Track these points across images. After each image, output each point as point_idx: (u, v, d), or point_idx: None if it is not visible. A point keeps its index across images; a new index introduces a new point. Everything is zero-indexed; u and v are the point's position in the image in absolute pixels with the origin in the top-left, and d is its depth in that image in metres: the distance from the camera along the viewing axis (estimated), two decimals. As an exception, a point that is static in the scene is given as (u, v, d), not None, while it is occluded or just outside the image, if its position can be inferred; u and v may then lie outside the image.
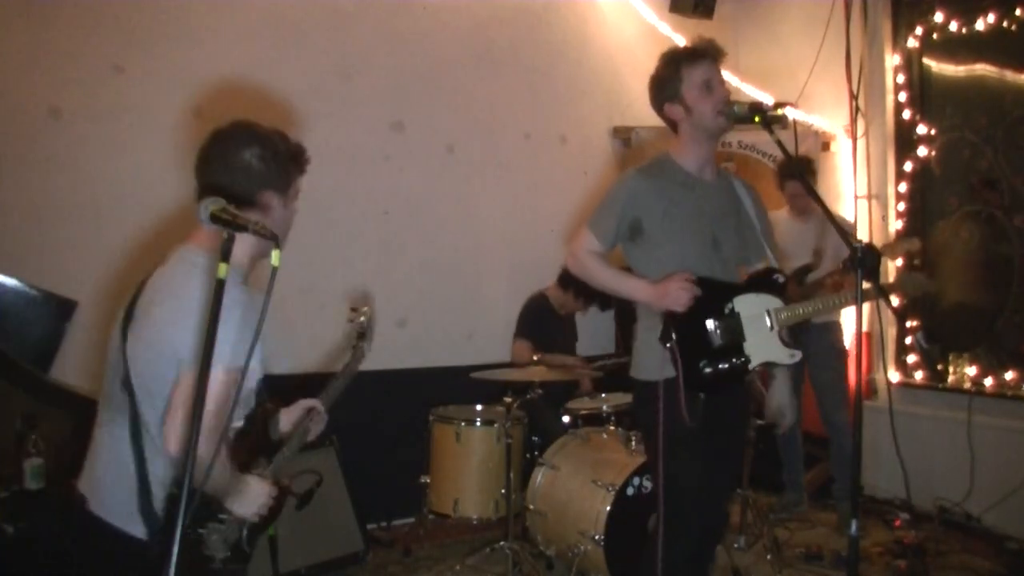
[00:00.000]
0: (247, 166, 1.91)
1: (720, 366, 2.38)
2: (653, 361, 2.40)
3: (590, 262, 2.57)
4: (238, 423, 1.94)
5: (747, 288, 2.49)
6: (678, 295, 2.35)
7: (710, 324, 2.39)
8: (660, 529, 2.40)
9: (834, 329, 4.35)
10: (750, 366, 2.43)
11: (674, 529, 2.42)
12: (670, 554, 2.41)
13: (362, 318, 2.47)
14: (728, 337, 2.41)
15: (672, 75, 2.48)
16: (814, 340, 4.21)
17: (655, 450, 2.41)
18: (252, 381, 1.88)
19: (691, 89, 2.44)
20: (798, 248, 4.19)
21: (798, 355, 2.52)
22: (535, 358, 3.85)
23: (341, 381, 2.37)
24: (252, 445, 1.99)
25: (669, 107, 2.50)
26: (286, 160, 1.97)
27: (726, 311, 2.42)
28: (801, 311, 2.56)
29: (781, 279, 2.54)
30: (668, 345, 2.33)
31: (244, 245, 1.86)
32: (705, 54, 2.47)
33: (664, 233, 2.44)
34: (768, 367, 2.53)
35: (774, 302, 2.49)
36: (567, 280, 4.40)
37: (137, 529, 1.79)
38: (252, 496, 1.86)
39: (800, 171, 4.27)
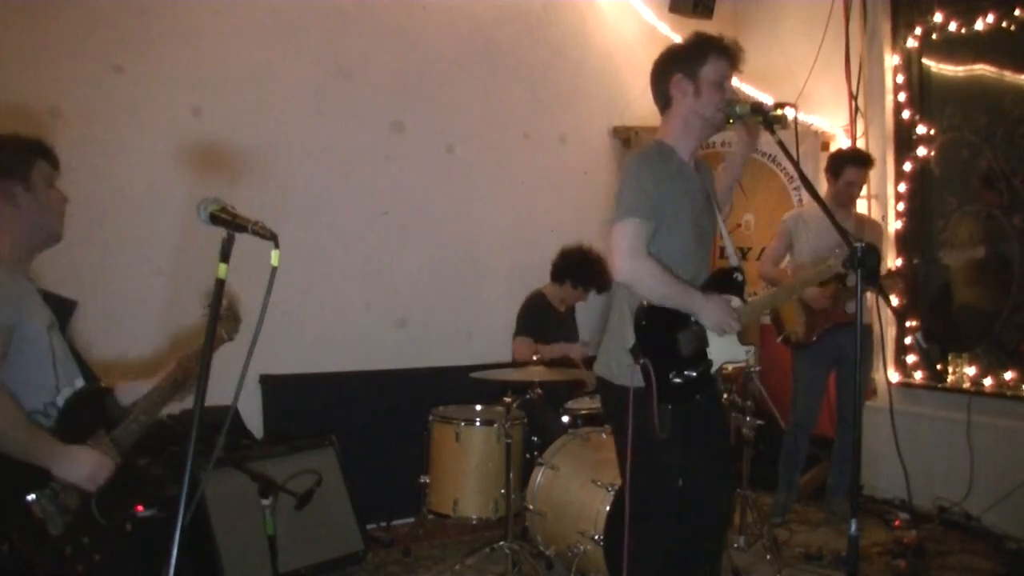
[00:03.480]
0: None
1: (688, 375, 2.39)
2: (626, 367, 2.37)
3: (649, 266, 2.32)
4: (64, 394, 2.05)
5: (710, 290, 2.47)
6: (723, 322, 2.40)
7: (680, 336, 2.39)
8: (628, 534, 2.39)
9: (870, 330, 4.28)
10: (712, 370, 2.45)
11: (647, 533, 2.41)
12: (647, 558, 2.40)
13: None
14: (695, 345, 2.42)
15: (699, 54, 2.42)
16: (853, 341, 4.16)
17: (624, 454, 2.39)
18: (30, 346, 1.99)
19: (709, 76, 2.40)
20: (833, 246, 4.12)
21: (752, 351, 2.55)
22: (534, 357, 3.84)
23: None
24: (81, 420, 2.06)
25: (680, 78, 2.43)
26: (17, 149, 2.07)
27: (692, 319, 2.42)
28: (758, 306, 2.59)
29: (740, 278, 2.54)
30: (641, 362, 2.31)
31: (3, 230, 2.02)
32: (733, 57, 2.44)
33: (672, 222, 2.39)
34: (729, 364, 2.56)
35: (734, 302, 2.50)
36: (560, 272, 4.40)
37: None
38: (76, 462, 1.93)
39: (866, 160, 4.25)
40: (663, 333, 2.37)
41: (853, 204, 4.32)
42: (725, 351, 2.48)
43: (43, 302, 2.13)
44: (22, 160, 2.07)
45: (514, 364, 4.18)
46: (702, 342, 2.43)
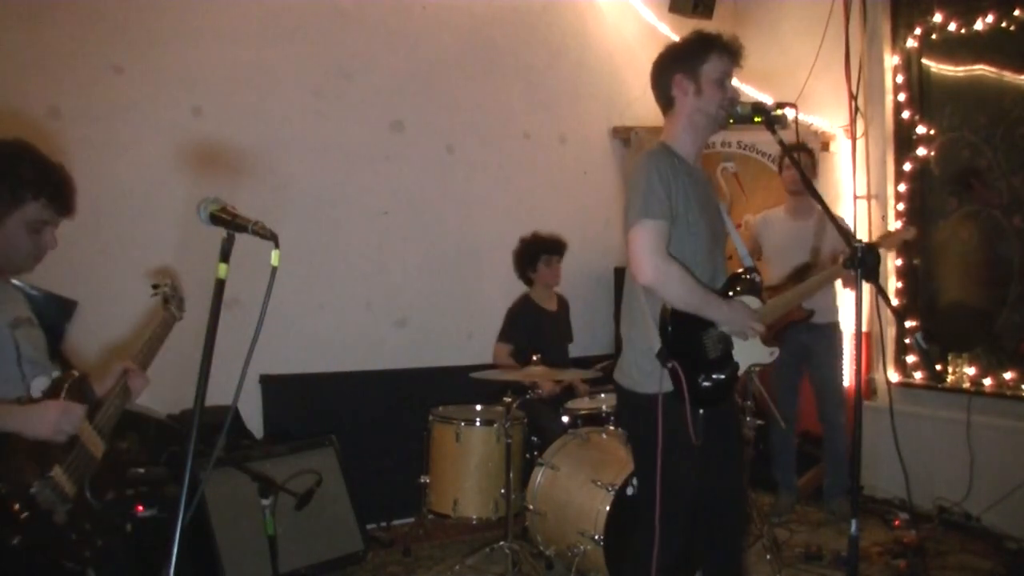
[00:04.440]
0: None
1: (716, 378, 2.37)
2: (650, 373, 2.35)
3: (673, 269, 2.28)
4: (39, 384, 2.04)
5: (728, 293, 2.45)
6: (748, 326, 2.39)
7: (705, 338, 2.37)
8: (643, 540, 2.37)
9: (836, 329, 4.37)
10: (739, 372, 2.43)
11: (663, 539, 2.37)
12: (660, 562, 2.38)
13: (165, 288, 2.52)
14: (721, 347, 2.40)
15: (700, 52, 2.40)
16: (816, 340, 4.24)
17: (649, 461, 2.36)
18: None
19: (710, 74, 2.39)
20: (795, 246, 4.21)
21: (776, 352, 2.52)
22: (534, 358, 3.83)
23: (151, 343, 2.40)
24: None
25: (681, 78, 2.41)
26: (10, 184, 2.02)
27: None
28: (776, 307, 2.55)
29: (757, 279, 2.52)
30: (670, 366, 2.29)
31: None
32: (734, 53, 2.43)
33: (685, 222, 2.36)
34: (753, 368, 2.53)
35: (754, 303, 2.48)
36: (520, 273, 4.44)
37: None
38: (40, 416, 1.92)
39: (802, 144, 4.32)
40: (689, 336, 2.35)
41: (803, 192, 4.29)
42: (750, 354, 2.46)
43: (18, 298, 2.14)
44: (10, 194, 2.02)
45: (496, 366, 4.17)
46: (727, 344, 2.41)
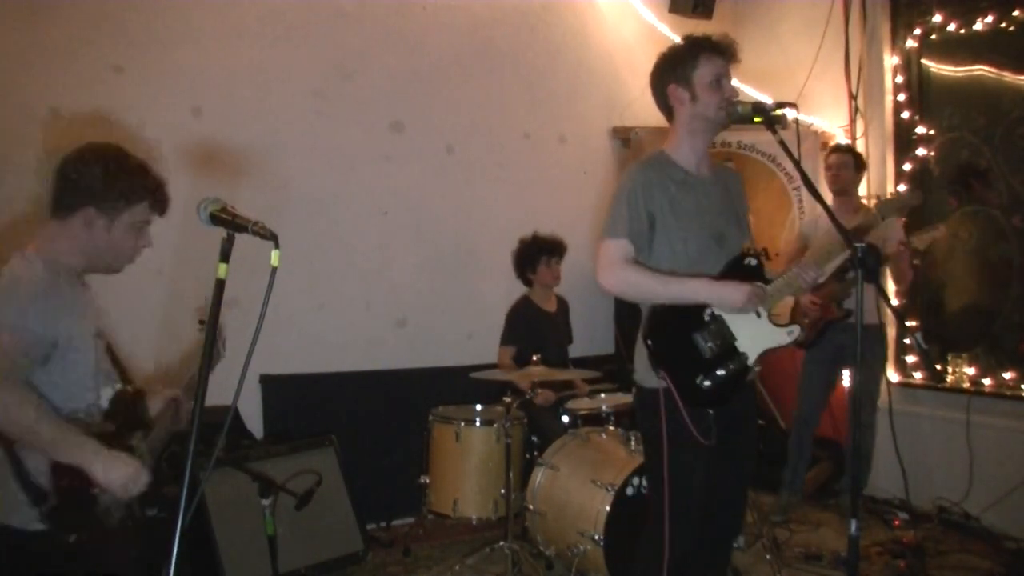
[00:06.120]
0: (76, 180, 2.05)
1: (719, 374, 2.34)
2: (649, 369, 2.36)
3: (629, 273, 2.36)
4: (105, 394, 2.08)
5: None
6: (743, 295, 2.32)
7: (696, 337, 2.35)
8: (665, 534, 2.35)
9: (879, 330, 4.28)
10: (750, 362, 2.38)
11: (672, 535, 2.36)
12: (659, 563, 2.36)
13: None
14: (718, 343, 2.36)
15: (690, 58, 2.42)
16: (861, 341, 4.15)
17: (655, 455, 2.36)
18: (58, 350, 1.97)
19: (703, 78, 2.40)
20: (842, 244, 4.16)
21: (796, 330, 2.45)
22: (534, 358, 3.83)
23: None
24: (125, 420, 2.10)
25: (674, 88, 2.44)
26: (121, 187, 2.06)
27: (706, 318, 2.37)
28: (782, 288, 2.44)
29: (753, 262, 2.46)
30: (660, 375, 2.29)
31: (71, 242, 2.04)
32: (725, 52, 2.44)
33: (668, 231, 2.39)
34: (770, 353, 2.47)
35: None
36: (519, 273, 4.45)
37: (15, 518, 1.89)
38: (116, 467, 1.90)
39: (843, 146, 4.46)
40: (678, 340, 2.34)
41: (848, 192, 4.31)
42: (761, 338, 2.39)
43: (95, 308, 2.15)
44: (122, 198, 2.06)
45: (494, 366, 4.17)
46: (726, 338, 2.37)
